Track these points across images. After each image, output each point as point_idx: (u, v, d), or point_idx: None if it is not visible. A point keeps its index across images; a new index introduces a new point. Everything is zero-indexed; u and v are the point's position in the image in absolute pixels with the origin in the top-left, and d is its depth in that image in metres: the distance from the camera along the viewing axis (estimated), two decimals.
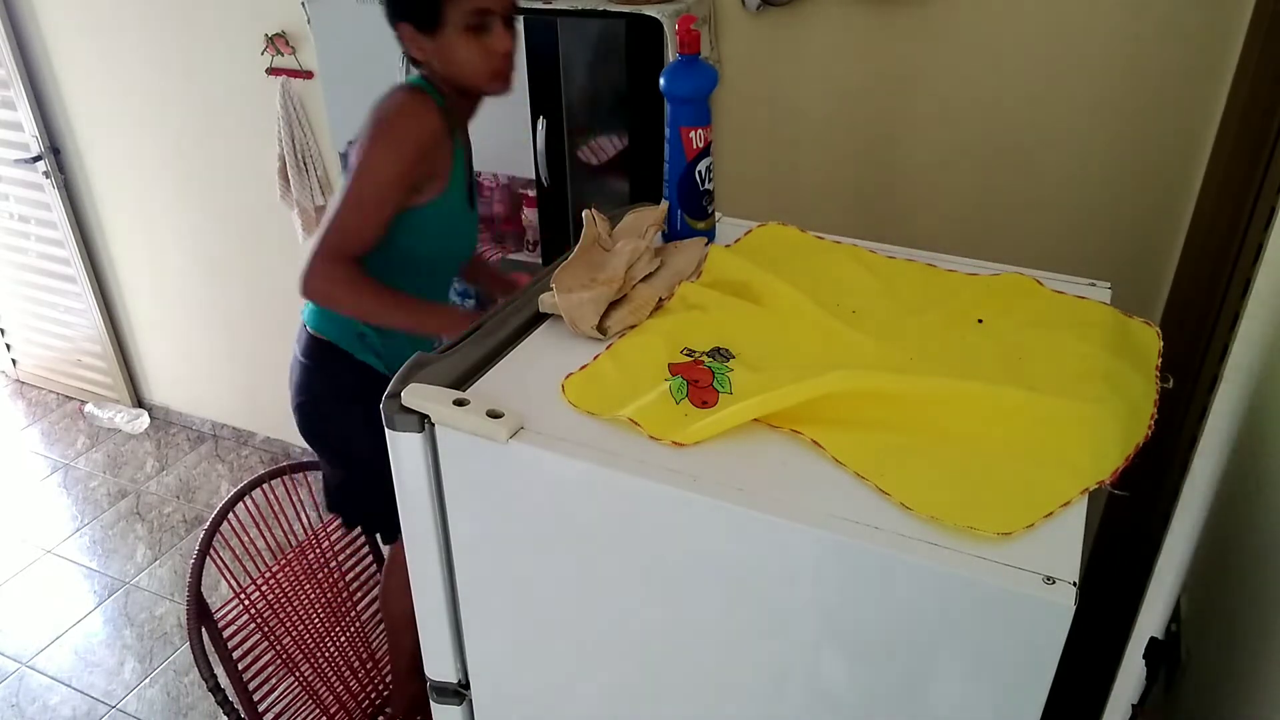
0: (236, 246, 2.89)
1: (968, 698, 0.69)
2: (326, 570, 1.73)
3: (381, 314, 1.38)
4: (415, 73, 1.42)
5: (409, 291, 1.39)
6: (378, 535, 1.77)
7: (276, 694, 1.63)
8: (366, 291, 1.34)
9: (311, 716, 1.68)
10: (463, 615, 0.91)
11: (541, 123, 1.90)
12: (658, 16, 1.76)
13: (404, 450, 0.83)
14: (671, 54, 1.79)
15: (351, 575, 1.78)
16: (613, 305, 0.95)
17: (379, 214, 1.33)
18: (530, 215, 2.15)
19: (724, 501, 0.70)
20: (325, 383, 1.56)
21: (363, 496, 1.61)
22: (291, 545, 1.71)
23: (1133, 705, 0.91)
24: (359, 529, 1.79)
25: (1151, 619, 0.89)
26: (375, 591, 1.81)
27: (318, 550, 1.73)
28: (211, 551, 1.57)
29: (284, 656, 1.64)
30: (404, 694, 1.75)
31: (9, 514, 3.00)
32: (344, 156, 1.48)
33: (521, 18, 1.82)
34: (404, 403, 0.81)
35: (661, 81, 1.06)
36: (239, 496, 1.67)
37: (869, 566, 0.67)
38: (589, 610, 0.84)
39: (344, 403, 1.56)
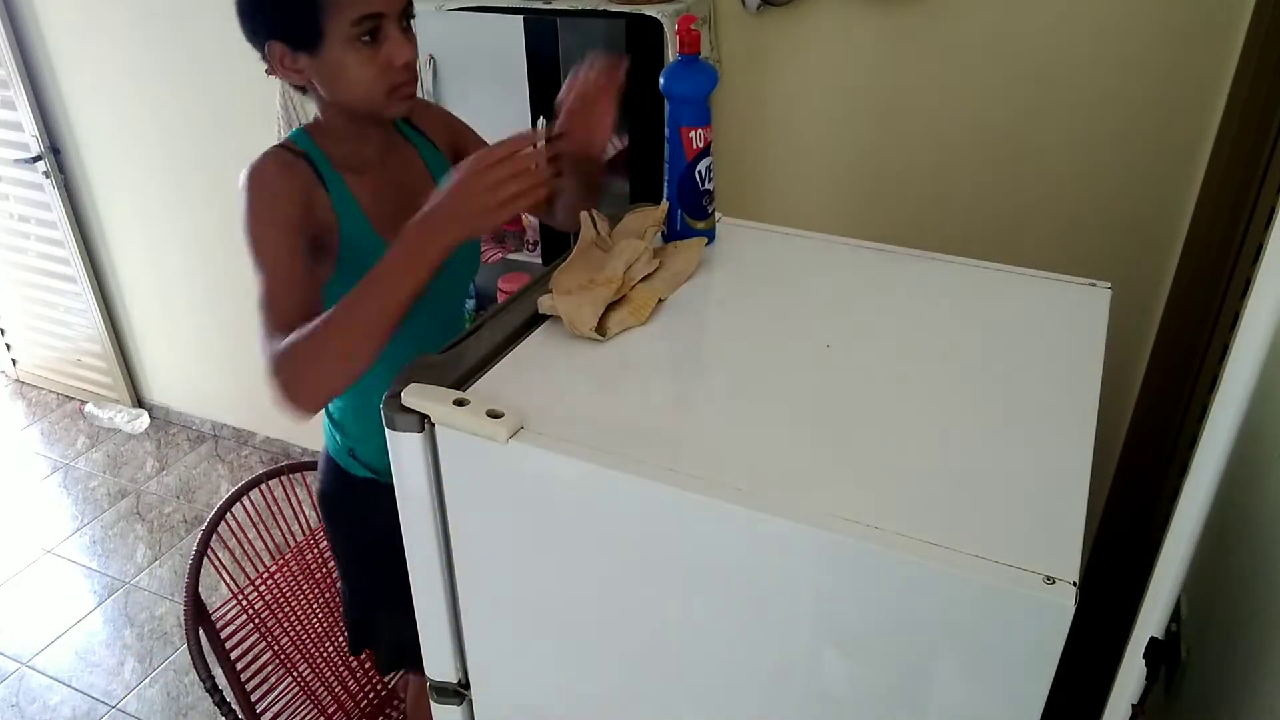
0: (237, 246, 2.87)
1: (968, 698, 0.69)
2: (325, 570, 1.73)
3: (352, 326, 1.00)
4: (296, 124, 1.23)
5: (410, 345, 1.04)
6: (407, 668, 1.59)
7: (275, 694, 1.63)
8: (318, 327, 1.00)
9: (310, 717, 1.67)
10: (463, 615, 0.91)
11: (541, 123, 1.89)
12: (658, 16, 1.76)
13: (404, 450, 0.83)
14: (671, 54, 1.79)
15: None
16: (612, 306, 0.95)
17: (291, 279, 1.09)
18: (530, 215, 2.15)
19: (724, 501, 0.70)
20: (339, 504, 1.43)
21: (386, 625, 1.47)
22: (290, 545, 1.71)
23: (1133, 705, 0.91)
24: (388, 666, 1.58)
25: (1151, 619, 0.89)
26: None
27: (316, 550, 1.73)
28: (210, 552, 1.57)
29: (282, 657, 1.64)
30: None
31: (9, 514, 3.00)
32: None
33: (521, 17, 1.82)
34: (404, 403, 0.81)
35: (661, 81, 1.06)
36: (236, 497, 1.67)
37: (869, 566, 0.67)
38: (589, 610, 0.84)
39: (359, 522, 1.40)
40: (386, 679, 1.84)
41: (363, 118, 1.16)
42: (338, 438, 1.38)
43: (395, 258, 0.99)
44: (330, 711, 1.71)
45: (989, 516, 0.69)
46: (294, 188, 1.13)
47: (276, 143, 1.18)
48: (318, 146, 1.18)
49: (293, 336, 1.00)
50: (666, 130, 1.08)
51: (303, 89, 1.16)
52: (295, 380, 0.99)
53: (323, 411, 1.37)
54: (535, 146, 1.02)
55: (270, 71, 1.13)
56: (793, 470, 0.74)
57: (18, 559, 2.79)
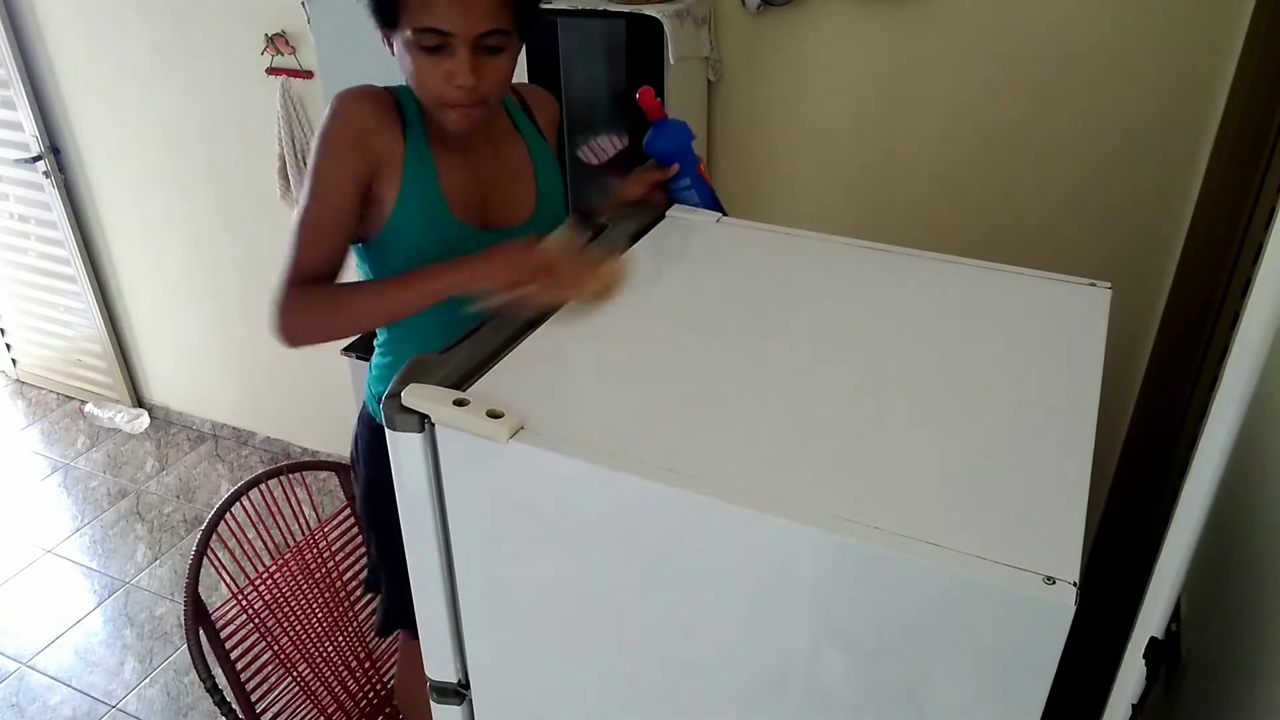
0: (236, 246, 2.89)
1: (968, 698, 0.69)
2: (324, 570, 1.73)
3: (372, 306, 1.15)
4: None
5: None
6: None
7: (275, 694, 1.63)
8: (342, 295, 1.14)
9: (309, 717, 1.67)
10: (463, 615, 0.91)
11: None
12: (658, 16, 1.76)
13: (404, 450, 0.83)
14: (671, 54, 1.79)
15: (350, 575, 1.78)
16: None
17: (333, 229, 1.17)
18: None
19: (724, 501, 0.70)
20: (379, 456, 1.35)
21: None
22: (290, 545, 1.71)
23: (1133, 705, 0.91)
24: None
25: (1151, 619, 0.89)
26: None
27: (315, 550, 1.73)
28: (210, 552, 1.57)
29: (282, 657, 1.64)
30: None
31: (9, 514, 3.00)
32: None
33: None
34: (404, 403, 0.81)
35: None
36: (236, 497, 1.67)
37: (869, 566, 0.67)
38: (589, 610, 0.84)
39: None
40: (384, 676, 1.84)
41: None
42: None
43: (437, 273, 1.09)
44: (330, 711, 1.71)
45: (989, 516, 0.69)
46: (376, 124, 1.17)
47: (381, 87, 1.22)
48: (418, 111, 1.21)
49: (317, 291, 1.14)
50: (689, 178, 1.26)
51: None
52: (300, 324, 1.13)
53: (368, 376, 1.41)
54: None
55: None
56: (793, 470, 0.74)
57: (18, 559, 2.79)
